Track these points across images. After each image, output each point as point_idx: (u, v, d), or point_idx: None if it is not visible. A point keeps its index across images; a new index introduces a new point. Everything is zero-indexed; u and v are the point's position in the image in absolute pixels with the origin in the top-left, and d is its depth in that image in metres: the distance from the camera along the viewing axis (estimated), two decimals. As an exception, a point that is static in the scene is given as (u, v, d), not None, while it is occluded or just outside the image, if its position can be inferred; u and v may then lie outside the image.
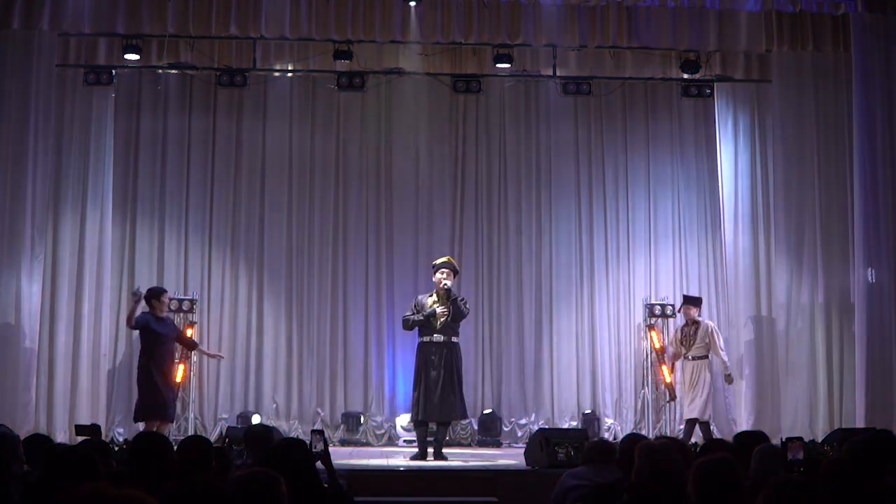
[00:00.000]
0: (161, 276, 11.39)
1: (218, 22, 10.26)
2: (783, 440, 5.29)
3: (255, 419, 10.90)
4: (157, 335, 9.77)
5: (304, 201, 11.81)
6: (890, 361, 10.14)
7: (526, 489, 8.11)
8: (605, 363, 11.77)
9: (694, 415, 10.62)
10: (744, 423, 11.10)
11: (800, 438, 5.20)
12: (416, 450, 9.49)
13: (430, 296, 9.55)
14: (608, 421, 11.61)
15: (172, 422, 10.13)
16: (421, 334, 9.53)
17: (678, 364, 11.19)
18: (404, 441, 11.11)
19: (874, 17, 10.29)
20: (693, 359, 10.79)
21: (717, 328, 10.99)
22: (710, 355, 10.79)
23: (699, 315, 10.92)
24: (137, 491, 2.66)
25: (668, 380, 11.23)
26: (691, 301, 11.03)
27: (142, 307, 9.90)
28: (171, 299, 10.58)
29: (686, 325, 10.92)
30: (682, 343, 10.92)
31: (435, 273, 9.57)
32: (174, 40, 10.88)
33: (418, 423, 9.48)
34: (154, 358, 9.74)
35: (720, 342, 10.79)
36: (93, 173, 11.10)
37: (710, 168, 11.89)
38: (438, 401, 9.29)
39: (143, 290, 10.09)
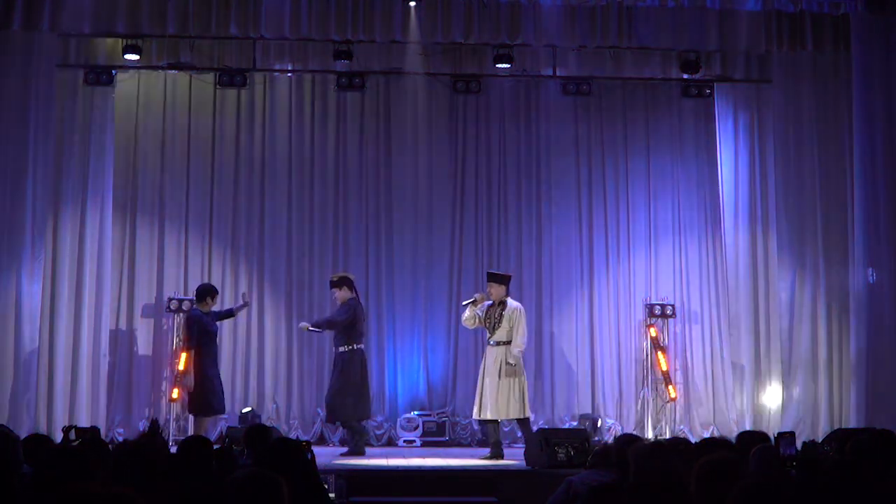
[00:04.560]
0: (161, 276, 11.39)
1: (218, 22, 10.27)
2: (775, 435, 5.29)
3: (246, 410, 10.99)
4: (206, 331, 10.13)
5: (304, 201, 11.79)
6: (890, 362, 10.13)
7: (526, 489, 8.11)
8: (606, 363, 11.75)
9: (514, 414, 9.72)
10: (745, 422, 11.10)
11: (791, 433, 5.20)
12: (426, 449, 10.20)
13: None
14: (609, 421, 11.59)
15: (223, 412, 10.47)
16: None
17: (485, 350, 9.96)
18: (404, 441, 11.11)
19: (874, 17, 10.29)
20: (497, 344, 9.73)
21: (524, 312, 9.98)
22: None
23: (507, 294, 9.88)
24: (127, 490, 2.65)
25: (665, 368, 11.12)
26: (496, 278, 9.97)
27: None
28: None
29: (492, 305, 9.83)
30: (486, 325, 9.85)
31: None
32: (174, 40, 10.89)
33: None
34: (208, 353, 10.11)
35: (523, 327, 9.77)
36: (93, 173, 11.09)
37: (710, 168, 11.88)
38: (326, 404, 10.33)
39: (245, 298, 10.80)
